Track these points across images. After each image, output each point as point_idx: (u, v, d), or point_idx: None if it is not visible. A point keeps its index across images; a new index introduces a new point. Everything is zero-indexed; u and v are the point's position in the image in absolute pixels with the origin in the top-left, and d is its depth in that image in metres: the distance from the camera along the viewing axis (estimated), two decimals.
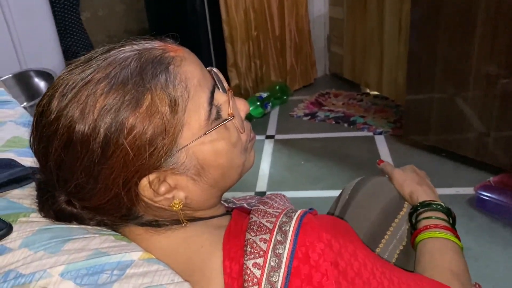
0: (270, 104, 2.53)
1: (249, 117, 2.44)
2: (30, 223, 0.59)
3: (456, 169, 1.86)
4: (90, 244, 0.55)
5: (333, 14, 2.74)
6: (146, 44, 0.52)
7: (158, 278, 0.50)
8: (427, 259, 0.67)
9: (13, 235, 0.56)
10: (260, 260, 0.50)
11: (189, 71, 0.51)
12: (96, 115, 0.47)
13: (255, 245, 0.52)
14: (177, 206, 0.53)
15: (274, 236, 0.52)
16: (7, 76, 1.87)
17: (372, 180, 0.82)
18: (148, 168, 0.49)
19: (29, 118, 0.95)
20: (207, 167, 0.54)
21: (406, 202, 0.80)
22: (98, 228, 0.59)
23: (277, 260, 0.50)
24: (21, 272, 0.51)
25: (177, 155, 0.51)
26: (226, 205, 0.71)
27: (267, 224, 0.54)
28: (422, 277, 0.61)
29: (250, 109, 2.45)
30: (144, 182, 0.50)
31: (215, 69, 0.59)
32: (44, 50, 2.00)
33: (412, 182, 0.79)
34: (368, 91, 2.64)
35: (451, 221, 0.74)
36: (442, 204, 0.75)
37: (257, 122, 2.45)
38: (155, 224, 0.56)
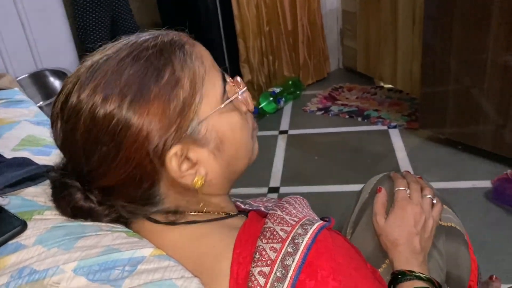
0: (283, 99, 2.53)
1: (262, 113, 2.44)
2: (44, 221, 0.60)
3: (472, 162, 1.83)
4: (102, 241, 0.55)
5: (345, 7, 2.72)
6: (162, 32, 0.57)
7: (169, 273, 0.51)
8: None
9: (27, 232, 0.58)
10: (266, 269, 0.51)
11: (203, 52, 0.56)
12: (123, 84, 0.50)
13: (264, 253, 0.52)
14: (199, 182, 0.54)
15: (285, 247, 0.52)
16: (23, 76, 1.91)
17: (390, 183, 0.78)
18: (173, 138, 0.51)
19: (44, 117, 0.96)
20: (225, 141, 0.56)
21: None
22: (111, 225, 0.59)
23: (283, 271, 0.50)
24: (35, 268, 0.52)
25: (198, 128, 0.53)
26: (243, 206, 0.70)
27: (281, 233, 0.54)
28: None
29: (263, 104, 2.44)
30: (170, 153, 0.52)
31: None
32: (58, 49, 2.03)
33: (388, 239, 0.71)
34: (382, 84, 2.61)
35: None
36: (420, 274, 0.67)
37: (270, 118, 2.44)
38: (172, 212, 0.57)
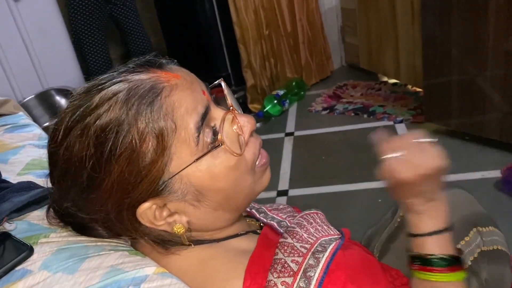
0: (288, 101, 2.53)
1: (267, 116, 2.45)
2: (50, 244, 0.61)
3: (481, 152, 1.81)
4: (105, 261, 0.56)
5: (344, 5, 2.71)
6: (136, 77, 0.51)
7: None
8: None
9: (34, 256, 0.59)
10: None
11: (177, 100, 0.50)
12: (86, 150, 0.49)
13: None
14: (179, 230, 0.54)
15: (297, 282, 0.51)
16: (30, 97, 1.94)
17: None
18: (140, 196, 0.50)
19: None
20: (206, 192, 0.53)
21: (473, 229, 0.70)
22: (114, 243, 0.60)
23: None
24: None
25: (172, 183, 0.51)
26: (258, 215, 0.68)
27: (292, 265, 0.53)
28: None
29: (268, 107, 2.45)
30: (141, 208, 0.51)
31: (223, 84, 0.57)
32: (62, 67, 2.06)
33: (404, 197, 0.60)
34: (386, 79, 2.60)
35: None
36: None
37: (275, 120, 2.45)
38: (162, 243, 0.56)
